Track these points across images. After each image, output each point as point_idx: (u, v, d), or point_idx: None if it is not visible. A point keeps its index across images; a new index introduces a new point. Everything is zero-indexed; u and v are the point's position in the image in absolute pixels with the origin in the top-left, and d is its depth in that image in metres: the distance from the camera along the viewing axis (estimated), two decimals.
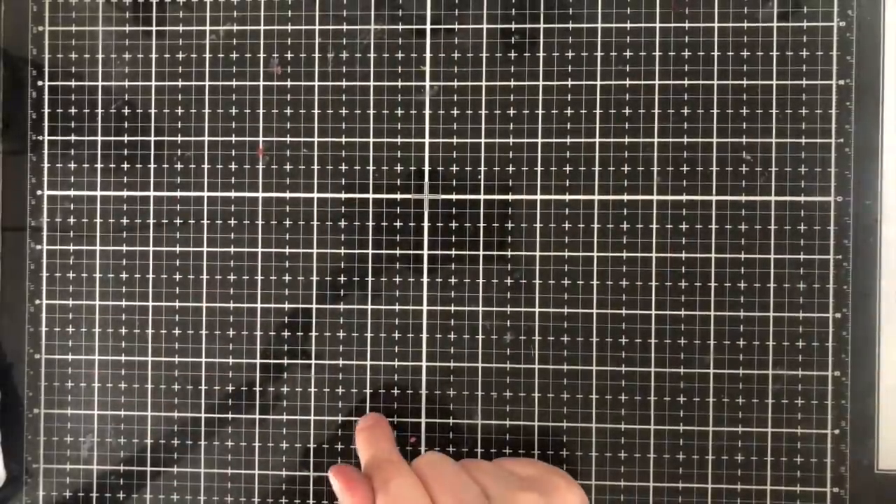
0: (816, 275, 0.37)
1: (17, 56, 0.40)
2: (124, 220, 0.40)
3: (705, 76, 0.38)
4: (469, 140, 0.38)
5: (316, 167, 0.39)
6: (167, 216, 0.39)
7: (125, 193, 0.40)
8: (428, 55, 0.39)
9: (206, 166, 0.39)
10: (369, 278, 0.39)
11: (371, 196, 0.39)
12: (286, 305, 0.39)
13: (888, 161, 0.37)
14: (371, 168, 0.39)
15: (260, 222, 0.39)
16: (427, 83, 0.39)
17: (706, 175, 0.38)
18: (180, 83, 0.39)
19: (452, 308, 0.38)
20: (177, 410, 0.39)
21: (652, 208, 0.38)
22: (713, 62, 0.38)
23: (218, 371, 0.39)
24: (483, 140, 0.38)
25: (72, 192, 0.40)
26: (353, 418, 0.39)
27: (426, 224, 0.39)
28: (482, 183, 0.38)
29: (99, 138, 0.40)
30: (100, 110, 0.40)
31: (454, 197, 0.38)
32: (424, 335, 0.39)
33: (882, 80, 0.37)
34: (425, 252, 0.39)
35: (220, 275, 0.39)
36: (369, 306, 0.39)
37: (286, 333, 0.39)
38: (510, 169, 0.38)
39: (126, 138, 0.40)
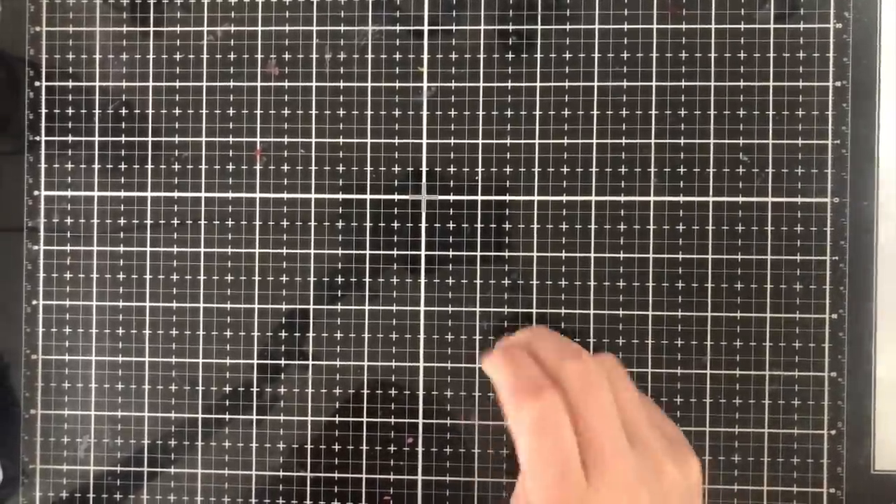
0: (813, 276, 0.37)
1: (14, 56, 0.40)
2: (121, 221, 0.40)
3: (702, 77, 0.38)
4: (467, 141, 0.38)
5: (314, 168, 0.39)
6: (164, 217, 0.39)
7: (122, 194, 0.40)
8: (426, 56, 0.39)
9: (203, 167, 0.39)
10: (367, 279, 0.39)
11: (369, 197, 0.39)
12: (283, 306, 0.39)
13: (884, 162, 0.37)
14: (369, 169, 0.39)
15: (257, 223, 0.39)
16: (425, 84, 0.39)
17: (703, 176, 0.38)
18: (178, 84, 0.39)
19: (450, 309, 0.38)
20: (174, 411, 0.39)
21: (649, 209, 0.38)
22: (710, 63, 0.38)
23: (215, 372, 0.39)
24: (480, 141, 0.38)
25: (69, 193, 0.40)
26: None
27: (423, 225, 0.39)
28: (479, 184, 0.38)
29: (96, 139, 0.40)
30: (97, 111, 0.40)
31: (451, 198, 0.38)
32: (422, 336, 0.39)
33: (878, 81, 0.38)
34: (423, 253, 0.39)
35: (218, 275, 0.39)
36: (367, 307, 0.39)
37: (283, 334, 0.39)
38: (507, 170, 0.38)
39: (123, 139, 0.40)
